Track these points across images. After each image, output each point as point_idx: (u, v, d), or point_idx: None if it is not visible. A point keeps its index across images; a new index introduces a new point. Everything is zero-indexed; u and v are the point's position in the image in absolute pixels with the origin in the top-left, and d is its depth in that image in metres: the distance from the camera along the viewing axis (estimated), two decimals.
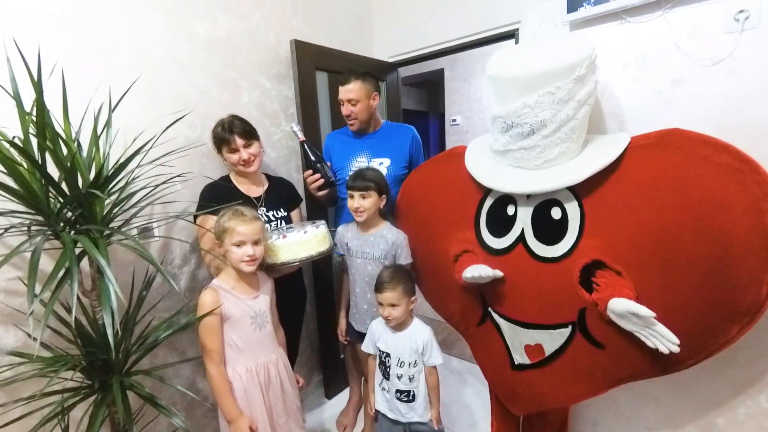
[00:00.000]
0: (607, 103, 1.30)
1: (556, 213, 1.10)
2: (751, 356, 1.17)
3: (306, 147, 1.56)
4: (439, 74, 4.27)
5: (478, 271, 1.11)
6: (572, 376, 1.12)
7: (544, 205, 1.11)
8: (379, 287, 1.24)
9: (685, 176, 0.94)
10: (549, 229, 1.10)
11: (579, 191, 1.08)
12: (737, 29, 1.05)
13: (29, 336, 1.02)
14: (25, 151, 0.78)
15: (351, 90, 1.58)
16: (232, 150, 1.36)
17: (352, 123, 1.64)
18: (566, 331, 1.09)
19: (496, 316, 1.21)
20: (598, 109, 1.30)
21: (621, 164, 1.04)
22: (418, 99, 5.98)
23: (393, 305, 1.22)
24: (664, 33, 1.16)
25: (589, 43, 1.03)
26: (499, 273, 1.13)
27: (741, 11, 1.04)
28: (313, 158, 1.54)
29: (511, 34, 1.75)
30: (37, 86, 0.80)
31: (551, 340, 1.11)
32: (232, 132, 1.35)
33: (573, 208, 1.08)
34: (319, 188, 1.56)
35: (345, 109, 1.61)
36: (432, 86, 5.55)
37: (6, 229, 0.90)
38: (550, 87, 0.99)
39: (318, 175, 1.54)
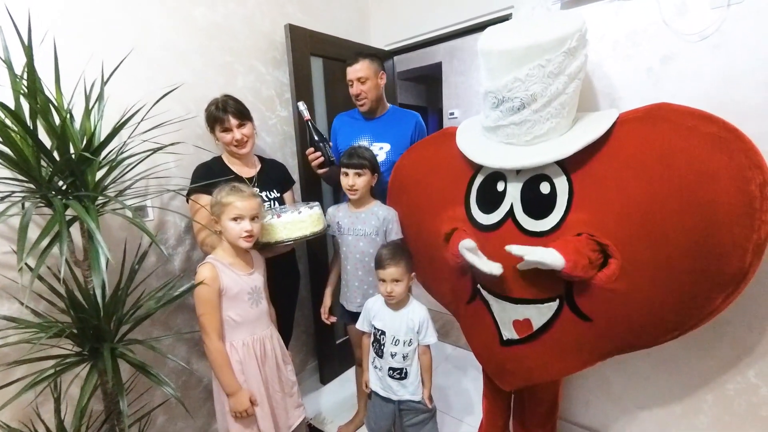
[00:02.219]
0: (599, 81, 1.31)
1: (545, 188, 1.11)
2: (739, 332, 1.18)
3: (310, 126, 1.57)
4: (437, 68, 4.28)
5: (468, 256, 1.10)
6: (560, 350, 1.12)
7: (533, 180, 1.12)
8: (381, 263, 1.24)
9: (673, 147, 0.95)
10: (538, 204, 1.11)
11: (568, 166, 1.09)
12: (724, 4, 1.06)
13: (22, 304, 1.03)
14: (16, 114, 0.79)
15: (360, 69, 1.60)
16: (226, 129, 1.37)
17: (363, 102, 1.66)
18: (554, 305, 1.09)
19: (485, 293, 1.22)
20: (590, 87, 1.31)
21: (609, 138, 1.05)
22: (416, 94, 5.99)
23: (396, 281, 1.23)
24: (652, 10, 1.17)
25: (579, 16, 1.04)
26: (485, 267, 1.08)
27: None
28: (315, 137, 1.56)
29: (505, 19, 1.76)
30: (28, 51, 0.81)
31: (539, 315, 1.11)
32: (226, 111, 1.35)
33: (561, 183, 1.09)
34: (320, 166, 1.58)
35: (355, 89, 1.64)
36: (430, 81, 5.56)
37: (0, 199, 0.91)
38: (540, 60, 1.00)
39: (319, 153, 1.55)
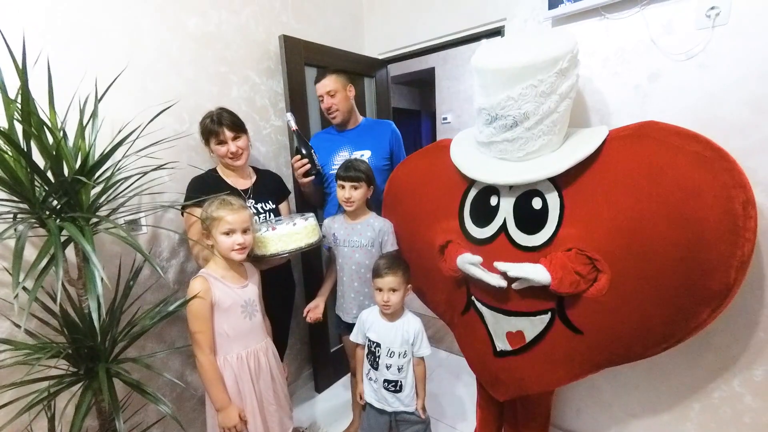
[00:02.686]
0: (589, 97, 1.34)
1: (537, 203, 1.13)
2: (724, 342, 1.21)
3: (297, 135, 1.58)
4: (430, 73, 4.30)
5: (472, 270, 1.14)
6: (552, 362, 1.15)
7: (525, 195, 1.14)
8: (379, 272, 1.25)
9: (660, 165, 0.98)
10: (530, 219, 1.13)
11: (559, 182, 1.11)
12: (709, 25, 1.09)
13: (16, 325, 1.02)
14: (9, 137, 0.79)
15: (328, 84, 1.65)
16: (221, 142, 1.37)
17: (334, 115, 1.70)
18: (546, 318, 1.12)
19: (479, 305, 1.24)
20: (580, 103, 1.34)
21: (600, 155, 1.08)
22: (410, 98, 6.01)
23: (393, 290, 1.23)
24: (640, 29, 1.20)
25: (572, 37, 1.06)
26: (492, 280, 1.10)
27: (712, 8, 1.08)
28: (302, 149, 1.57)
29: (498, 31, 1.78)
30: (22, 73, 0.80)
31: (532, 327, 1.14)
32: (221, 124, 1.35)
33: (553, 199, 1.11)
34: (306, 174, 1.58)
35: (326, 103, 1.67)
36: (423, 85, 5.58)
37: None
38: (533, 80, 1.02)
39: (305, 161, 1.56)
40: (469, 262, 1.15)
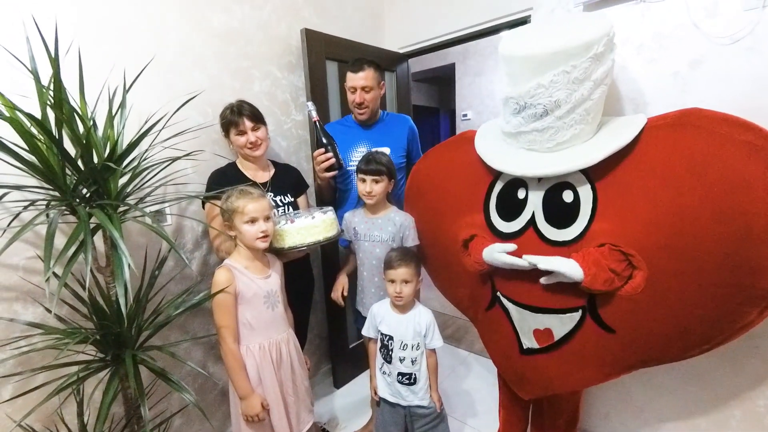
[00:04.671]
0: (623, 86, 1.27)
1: (567, 196, 1.08)
2: None
3: (318, 127, 1.53)
4: (450, 69, 4.25)
5: (501, 258, 1.09)
6: (581, 361, 1.10)
7: (555, 188, 1.10)
8: (391, 264, 1.24)
9: (704, 156, 0.92)
10: (560, 213, 1.09)
11: (592, 174, 1.06)
12: (758, 5, 1.02)
13: (48, 311, 1.05)
14: (42, 124, 0.80)
15: (365, 77, 1.57)
16: (240, 132, 1.38)
17: (363, 111, 1.63)
18: (576, 315, 1.07)
19: (504, 300, 1.20)
20: (613, 92, 1.28)
21: (637, 145, 1.02)
22: (429, 95, 5.96)
23: (406, 281, 1.23)
24: (681, 12, 1.14)
25: (606, 20, 1.01)
26: (523, 262, 1.06)
27: None
28: (324, 140, 1.52)
29: (523, 21, 1.73)
30: (54, 62, 0.82)
31: (561, 325, 1.09)
32: (241, 114, 1.37)
33: (585, 191, 1.06)
34: (328, 169, 1.52)
35: (358, 97, 1.60)
36: (443, 82, 5.52)
37: (26, 207, 0.93)
38: (565, 66, 0.97)
39: (330, 155, 1.50)
40: (499, 251, 1.10)
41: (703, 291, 0.93)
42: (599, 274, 0.98)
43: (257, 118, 1.42)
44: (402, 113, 2.24)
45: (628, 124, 1.04)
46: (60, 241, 0.85)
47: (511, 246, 1.09)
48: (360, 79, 1.57)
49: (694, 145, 0.94)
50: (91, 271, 1.01)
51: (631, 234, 1.00)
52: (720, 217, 0.89)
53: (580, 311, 1.07)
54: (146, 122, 1.05)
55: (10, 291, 1.10)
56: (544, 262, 1.02)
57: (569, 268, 0.99)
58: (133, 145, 0.94)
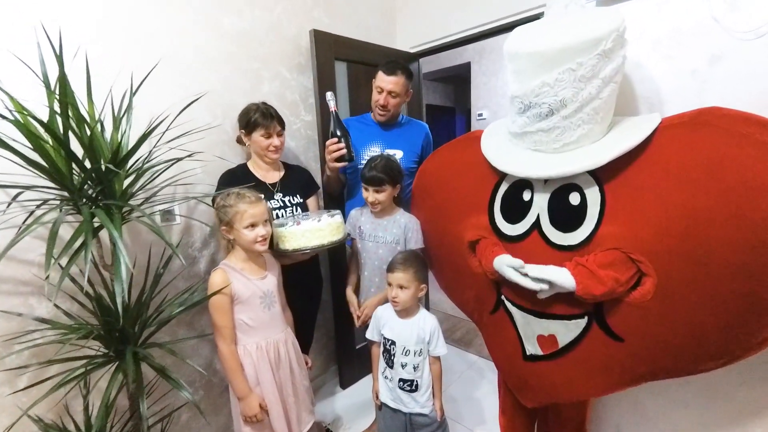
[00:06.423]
0: (637, 85, 1.21)
1: (574, 198, 1.04)
2: None
3: (334, 117, 1.52)
4: (466, 69, 4.20)
5: (509, 274, 1.05)
6: (588, 370, 1.05)
7: (562, 189, 1.06)
8: (391, 267, 1.24)
9: (722, 157, 0.86)
10: (566, 216, 1.05)
11: (600, 175, 1.01)
12: None
13: (57, 307, 1.09)
14: (49, 127, 0.83)
15: (395, 83, 1.57)
16: (268, 135, 1.41)
17: (384, 114, 1.64)
18: (582, 322, 1.03)
19: (509, 304, 1.16)
20: (626, 91, 1.22)
21: (649, 146, 0.97)
22: (444, 95, 5.91)
23: (401, 287, 1.21)
24: (700, 6, 1.07)
25: (617, 14, 0.97)
26: (534, 285, 1.00)
27: None
28: (338, 132, 1.50)
29: (537, 18, 1.68)
30: (61, 69, 0.84)
31: (566, 331, 1.05)
32: (273, 117, 1.40)
33: (593, 194, 1.02)
34: (339, 159, 1.51)
35: (383, 99, 1.60)
36: (458, 82, 5.46)
37: (38, 205, 0.97)
38: (571, 63, 0.93)
39: (342, 144, 1.49)
40: (507, 265, 1.06)
41: (718, 300, 0.88)
42: (593, 286, 0.94)
43: (283, 123, 1.46)
44: (414, 114, 2.23)
45: (641, 124, 1.00)
46: (68, 237, 0.87)
47: (519, 261, 1.04)
48: (390, 83, 1.57)
49: (711, 145, 0.88)
50: (97, 268, 1.05)
51: (641, 238, 0.95)
52: (737, 222, 0.83)
53: (586, 318, 1.03)
54: (153, 122, 1.07)
55: (27, 285, 1.14)
56: (535, 270, 0.99)
57: (559, 276, 0.95)
58: (135, 147, 0.96)
